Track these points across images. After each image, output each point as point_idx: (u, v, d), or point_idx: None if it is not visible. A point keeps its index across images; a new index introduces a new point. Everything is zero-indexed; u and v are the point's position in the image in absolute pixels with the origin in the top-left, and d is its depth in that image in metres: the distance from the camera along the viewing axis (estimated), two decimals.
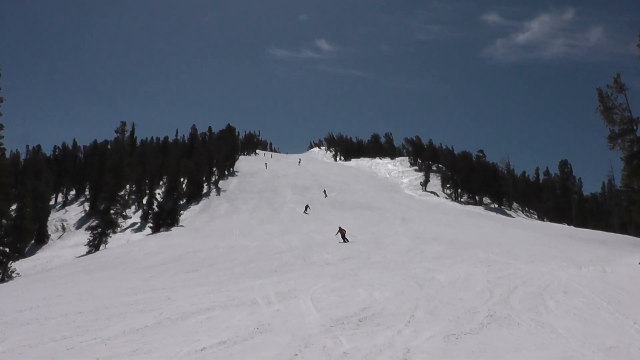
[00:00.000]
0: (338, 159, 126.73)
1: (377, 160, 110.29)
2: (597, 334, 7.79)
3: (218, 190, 61.14)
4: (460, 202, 67.98)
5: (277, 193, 59.44)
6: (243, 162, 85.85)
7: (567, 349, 6.96)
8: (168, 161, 63.02)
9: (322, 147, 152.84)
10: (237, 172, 75.03)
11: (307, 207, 43.80)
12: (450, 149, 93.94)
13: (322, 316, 9.47)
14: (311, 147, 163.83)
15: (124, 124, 42.95)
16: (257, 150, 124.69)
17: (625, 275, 14.30)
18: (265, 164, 70.59)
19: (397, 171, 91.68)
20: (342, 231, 28.43)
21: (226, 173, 72.83)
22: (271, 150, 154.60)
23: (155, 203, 46.37)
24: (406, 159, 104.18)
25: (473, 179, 70.03)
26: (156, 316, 9.91)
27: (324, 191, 44.42)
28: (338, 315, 9.50)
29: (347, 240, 27.38)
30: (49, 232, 51.36)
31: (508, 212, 65.46)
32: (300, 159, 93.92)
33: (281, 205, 51.43)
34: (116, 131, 42.52)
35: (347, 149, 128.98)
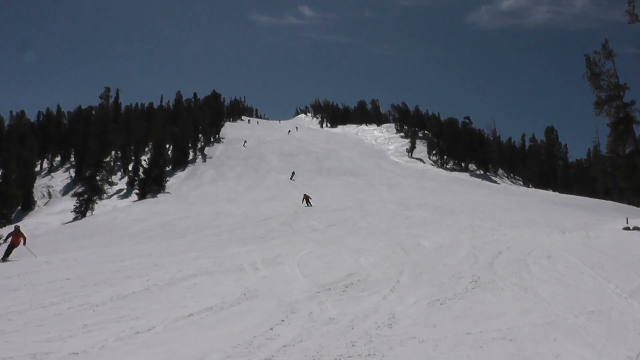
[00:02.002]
0: (324, 125, 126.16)
1: (364, 127, 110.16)
2: (579, 298, 7.90)
3: (204, 157, 60.90)
4: (446, 169, 68.53)
5: (263, 159, 59.58)
6: (229, 129, 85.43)
7: (549, 312, 7.05)
8: (153, 127, 62.16)
9: (308, 114, 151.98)
10: (222, 138, 74.89)
11: (293, 173, 43.97)
12: (437, 115, 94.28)
13: (308, 282, 9.53)
14: (297, 113, 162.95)
15: (108, 89, 42.19)
16: (243, 117, 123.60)
17: (608, 240, 14.42)
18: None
19: (383, 138, 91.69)
20: (306, 197, 30.75)
21: (212, 139, 72.52)
22: (257, 116, 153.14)
23: (141, 169, 46.06)
24: (392, 125, 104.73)
25: (459, 145, 70.37)
26: (143, 282, 9.92)
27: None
28: (324, 281, 9.55)
29: (311, 205, 29.52)
30: (35, 199, 50.89)
31: (494, 178, 66.12)
32: (290, 130, 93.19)
33: (267, 171, 51.75)
34: (100, 97, 41.84)
35: (334, 115, 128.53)
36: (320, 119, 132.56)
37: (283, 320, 6.97)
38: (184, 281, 10.02)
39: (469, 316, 7.01)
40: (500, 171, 74.96)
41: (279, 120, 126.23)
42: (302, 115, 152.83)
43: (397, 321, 6.83)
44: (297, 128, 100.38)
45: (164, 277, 10.49)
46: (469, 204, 27.87)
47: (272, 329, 6.59)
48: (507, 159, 77.52)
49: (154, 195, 40.90)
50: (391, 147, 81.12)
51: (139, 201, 39.80)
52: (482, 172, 69.01)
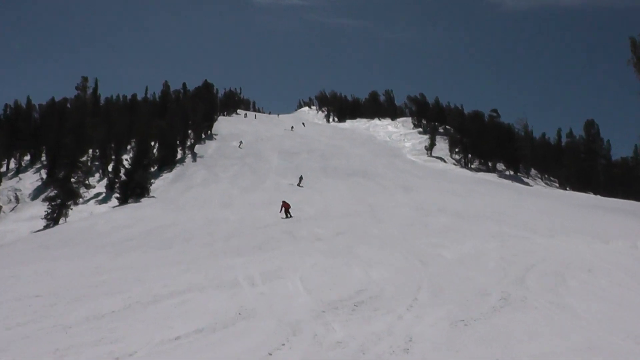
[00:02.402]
0: (331, 120, 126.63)
1: (376, 121, 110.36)
2: (626, 319, 7.77)
3: (194, 156, 61.22)
4: (471, 169, 68.48)
5: (261, 158, 59.88)
6: (223, 124, 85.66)
7: (591, 335, 6.94)
8: (137, 122, 62.45)
9: (312, 107, 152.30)
10: (215, 135, 75.20)
11: (300, 179, 43.82)
12: (459, 108, 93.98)
13: (312, 299, 9.51)
14: (300, 106, 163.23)
15: (85, 79, 42.68)
16: (239, 110, 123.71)
17: None
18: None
19: (398, 134, 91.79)
20: (285, 205, 28.46)
21: (203, 136, 72.79)
22: (255, 110, 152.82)
23: (123, 170, 46.23)
24: (409, 119, 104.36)
25: (485, 142, 70.02)
26: (124, 300, 9.92)
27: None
28: (330, 298, 9.52)
29: (291, 216, 27.53)
30: (1, 204, 50.68)
31: (525, 179, 65.92)
32: (293, 126, 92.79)
33: (266, 172, 51.81)
34: (77, 87, 42.31)
35: (342, 108, 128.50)
36: (326, 113, 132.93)
37: (284, 344, 6.92)
38: (171, 298, 10.01)
39: (497, 339, 6.93)
40: (533, 171, 74.55)
41: (277, 115, 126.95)
42: (306, 109, 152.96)
43: (415, 345, 6.76)
44: (303, 124, 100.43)
45: (147, 293, 10.49)
46: (497, 209, 27.69)
47: (271, 354, 6.56)
48: (541, 158, 76.54)
49: (137, 200, 40.92)
50: (407, 144, 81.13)
51: (120, 206, 39.87)
52: (511, 172, 68.67)
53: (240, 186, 44.50)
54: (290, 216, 27.76)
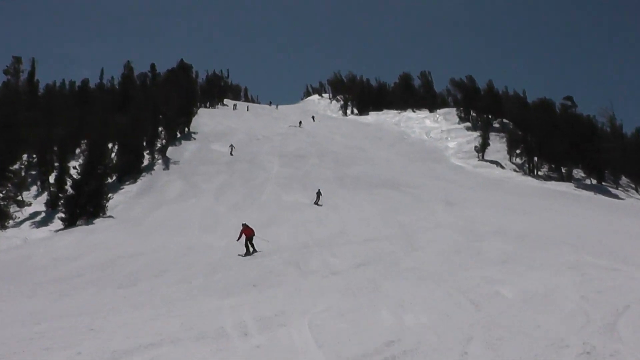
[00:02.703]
0: (349, 112, 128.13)
1: (409, 113, 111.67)
2: None
3: (166, 162, 61.46)
4: (537, 177, 68.87)
5: (256, 164, 60.68)
6: (205, 118, 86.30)
7: None
8: (89, 118, 62.40)
9: (324, 95, 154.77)
10: (195, 133, 75.71)
11: (318, 195, 43.70)
12: (521, 95, 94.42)
13: (325, 355, 9.50)
14: (308, 94, 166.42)
15: (17, 60, 42.75)
16: (226, 100, 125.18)
17: None
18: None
19: (439, 130, 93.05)
20: (247, 232, 26.48)
21: (179, 135, 73.18)
22: (247, 99, 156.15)
23: (70, 182, 46.27)
24: (453, 111, 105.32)
25: (557, 141, 69.92)
26: (71, 357, 9.88)
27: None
28: (350, 353, 9.49)
29: (254, 250, 26.03)
30: None
31: (613, 191, 65.27)
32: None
33: (263, 183, 52.16)
34: (6, 72, 42.41)
35: (363, 96, 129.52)
36: (342, 103, 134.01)
37: None
38: (136, 354, 9.98)
39: None
40: (624, 180, 73.62)
41: (276, 106, 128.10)
42: (315, 97, 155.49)
43: None
44: (313, 117, 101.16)
45: (103, 348, 10.45)
46: (574, 231, 27.69)
47: None
48: (635, 162, 73.57)
49: (89, 221, 40.97)
50: (452, 145, 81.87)
51: (66, 230, 39.79)
52: (593, 181, 68.60)
53: (229, 202, 44.87)
54: (254, 251, 26.11)
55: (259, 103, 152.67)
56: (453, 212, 36.04)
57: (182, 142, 70.83)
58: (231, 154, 64.18)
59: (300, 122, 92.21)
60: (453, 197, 43.54)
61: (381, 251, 24.04)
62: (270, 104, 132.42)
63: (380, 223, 32.94)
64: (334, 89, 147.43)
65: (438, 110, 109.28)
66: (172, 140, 69.91)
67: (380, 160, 64.39)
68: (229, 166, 59.40)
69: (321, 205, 41.58)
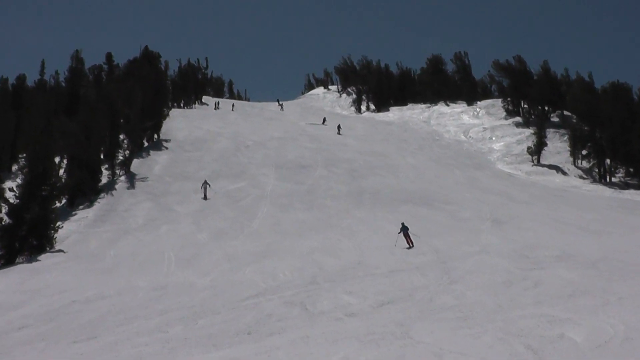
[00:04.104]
0: (364, 107, 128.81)
1: (441, 107, 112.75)
2: None
3: (131, 179, 60.70)
4: (610, 184, 68.80)
5: (245, 177, 61.31)
6: (178, 122, 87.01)
7: None
8: (27, 124, 62.22)
9: (330, 87, 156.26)
10: (167, 141, 75.79)
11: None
12: (587, 80, 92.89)
13: None
14: (310, 87, 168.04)
15: None
16: (205, 98, 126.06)
17: None
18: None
19: (481, 127, 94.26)
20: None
21: (146, 144, 73.51)
22: (232, 95, 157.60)
23: (5, 207, 46.26)
24: (498, 102, 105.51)
25: (635, 137, 69.95)
26: None
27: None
28: None
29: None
30: None
31: None
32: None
33: (255, 202, 52.52)
34: None
35: (381, 88, 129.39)
36: (354, 96, 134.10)
37: None
38: None
39: None
40: None
41: (279, 103, 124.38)
42: (320, 91, 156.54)
43: None
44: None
45: None
46: None
47: None
48: None
49: (32, 258, 40.41)
50: (497, 146, 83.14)
51: (3, 270, 38.62)
52: None
53: (212, 228, 45.13)
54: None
55: (248, 100, 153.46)
56: (502, 233, 36.88)
57: (151, 152, 70.53)
58: (205, 198, 54.86)
59: (324, 120, 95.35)
60: (501, 213, 44.17)
61: (410, 285, 24.24)
62: (279, 102, 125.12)
63: (407, 249, 33.56)
64: (344, 79, 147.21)
65: (479, 103, 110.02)
66: (137, 150, 68.94)
67: (406, 168, 64.74)
68: (211, 182, 57.99)
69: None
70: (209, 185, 56.02)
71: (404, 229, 36.86)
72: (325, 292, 24.23)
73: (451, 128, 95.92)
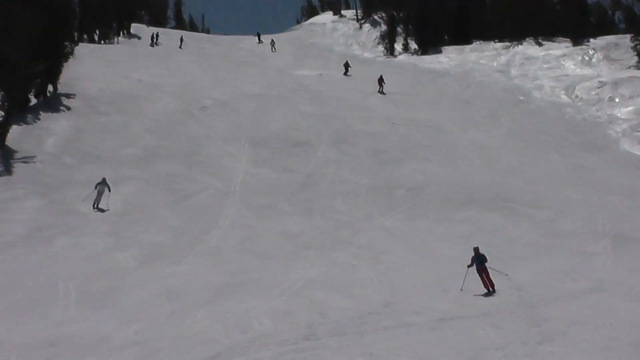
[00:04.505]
0: (399, 47, 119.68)
1: (528, 48, 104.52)
2: None
3: (5, 157, 55.85)
4: None
5: (201, 162, 56.32)
6: (90, 65, 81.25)
7: None
8: None
9: (344, 13, 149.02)
10: (69, 96, 70.32)
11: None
12: None
13: None
14: (312, 12, 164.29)
15: None
16: (135, 27, 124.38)
17: None
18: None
19: (595, 81, 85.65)
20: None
21: (34, 100, 69.03)
22: (180, 24, 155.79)
23: None
24: (625, 40, 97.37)
25: None
26: None
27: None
28: None
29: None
30: None
31: None
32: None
33: (216, 201, 48.40)
34: None
35: (430, 16, 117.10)
36: (385, 28, 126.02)
37: None
38: None
39: None
40: None
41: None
42: (327, 18, 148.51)
43: None
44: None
45: None
46: None
47: None
48: None
49: None
50: (624, 113, 75.94)
51: None
52: None
53: (142, 243, 40.86)
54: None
55: (207, 32, 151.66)
56: (630, 259, 35.36)
57: (41, 115, 65.38)
58: (96, 208, 50.22)
59: (347, 66, 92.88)
60: (629, 226, 41.65)
61: (474, 346, 22.94)
62: (259, 38, 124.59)
63: (468, 282, 31.65)
64: (364, 0, 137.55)
65: (592, 41, 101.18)
66: (18, 112, 64.42)
67: (468, 149, 59.34)
68: (142, 166, 55.52)
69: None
70: (109, 190, 49.84)
71: (478, 260, 32.53)
72: (329, 354, 22.60)
73: (545, 82, 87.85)
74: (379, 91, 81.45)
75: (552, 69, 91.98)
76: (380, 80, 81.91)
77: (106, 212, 48.64)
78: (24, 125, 62.48)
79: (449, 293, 31.51)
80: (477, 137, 64.98)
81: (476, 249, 32.83)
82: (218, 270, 36.62)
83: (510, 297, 30.02)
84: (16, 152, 57.04)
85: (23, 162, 55.55)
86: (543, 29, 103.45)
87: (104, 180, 48.50)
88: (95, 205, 48.21)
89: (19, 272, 38.84)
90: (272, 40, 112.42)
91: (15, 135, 59.73)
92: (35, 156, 56.49)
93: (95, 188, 48.31)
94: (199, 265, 38.12)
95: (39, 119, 64.41)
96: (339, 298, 30.86)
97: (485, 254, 32.61)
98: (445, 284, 32.90)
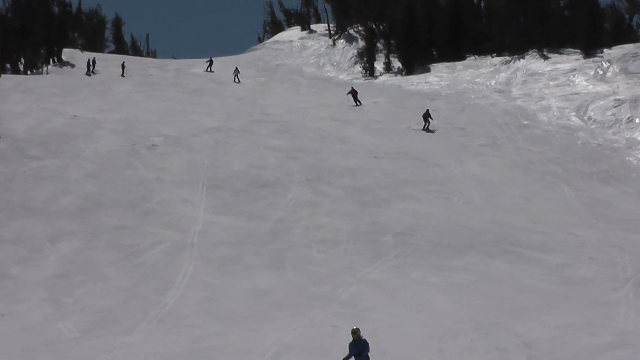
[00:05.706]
0: (380, 66, 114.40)
1: (532, 62, 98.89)
2: None
3: None
4: None
5: (151, 211, 54.15)
6: (15, 100, 79.56)
7: None
8: None
9: (314, 28, 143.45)
10: None
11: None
12: None
13: None
14: (276, 28, 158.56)
15: None
16: (68, 52, 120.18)
17: None
18: None
19: (611, 99, 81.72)
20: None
21: None
22: (122, 47, 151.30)
23: None
24: None
25: None
26: None
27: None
28: None
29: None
30: None
31: None
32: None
33: (170, 258, 45.73)
34: None
35: (415, 28, 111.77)
36: (362, 45, 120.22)
37: None
38: None
39: None
40: None
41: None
42: (294, 34, 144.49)
43: None
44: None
45: None
46: None
47: None
48: None
49: None
50: None
51: None
52: None
53: (87, 309, 38.83)
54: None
55: (153, 56, 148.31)
56: None
57: None
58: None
59: (354, 95, 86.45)
60: None
61: None
62: (209, 66, 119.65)
63: (467, 342, 30.23)
64: (340, 10, 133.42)
65: (606, 51, 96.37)
66: None
67: (465, 184, 56.97)
68: (82, 218, 52.71)
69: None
70: None
71: (356, 349, 25.94)
72: None
73: (552, 102, 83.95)
74: (423, 128, 78.47)
75: (561, 86, 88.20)
76: (427, 116, 77.89)
77: (44, 273, 45.52)
78: None
79: (445, 353, 30.10)
80: (474, 170, 62.77)
81: (355, 332, 25.30)
82: (177, 338, 34.95)
83: (520, 358, 28.51)
84: None
85: None
86: (549, 39, 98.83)
87: None
88: None
89: None
90: (236, 68, 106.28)
91: None
92: None
93: None
94: (155, 332, 36.24)
95: None
96: None
97: (367, 341, 25.18)
98: (441, 342, 31.23)
